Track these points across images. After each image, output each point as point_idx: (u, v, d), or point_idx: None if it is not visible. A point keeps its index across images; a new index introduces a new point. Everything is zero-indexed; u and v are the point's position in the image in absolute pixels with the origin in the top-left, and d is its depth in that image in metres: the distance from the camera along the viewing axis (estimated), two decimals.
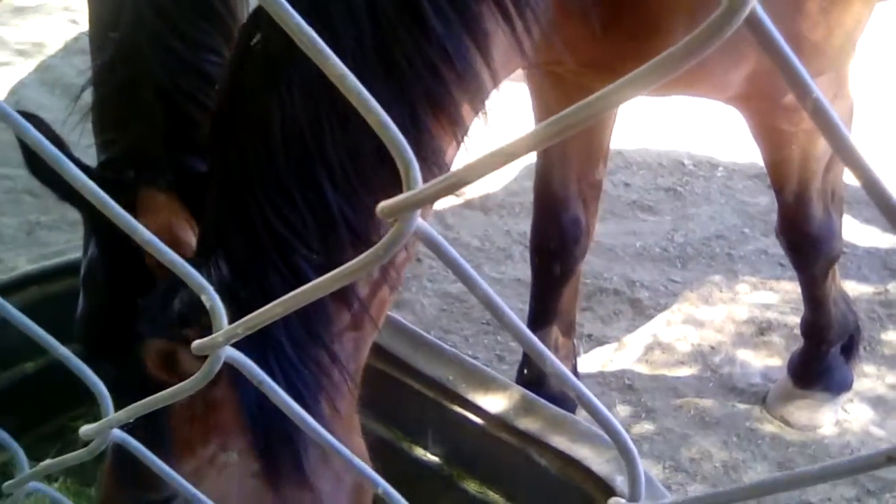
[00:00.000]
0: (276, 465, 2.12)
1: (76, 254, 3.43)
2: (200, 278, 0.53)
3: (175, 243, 2.51)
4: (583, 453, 2.91)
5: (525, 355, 3.86)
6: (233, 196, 2.07)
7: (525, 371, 3.81)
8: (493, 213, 5.98)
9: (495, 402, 3.14)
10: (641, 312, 5.07)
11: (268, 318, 0.55)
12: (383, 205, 0.49)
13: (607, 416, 0.62)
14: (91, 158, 2.83)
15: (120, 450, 1.98)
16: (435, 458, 3.41)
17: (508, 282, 5.25)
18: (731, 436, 4.23)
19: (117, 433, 0.59)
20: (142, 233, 0.61)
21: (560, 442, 2.96)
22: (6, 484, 0.86)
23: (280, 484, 2.15)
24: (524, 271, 5.30)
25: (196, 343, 0.46)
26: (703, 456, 4.09)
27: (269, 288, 1.99)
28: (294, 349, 2.06)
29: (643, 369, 4.63)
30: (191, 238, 2.42)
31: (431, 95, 2.02)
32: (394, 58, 1.95)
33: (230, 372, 1.99)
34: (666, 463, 4.01)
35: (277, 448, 2.11)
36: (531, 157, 4.71)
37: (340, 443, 2.25)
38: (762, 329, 4.98)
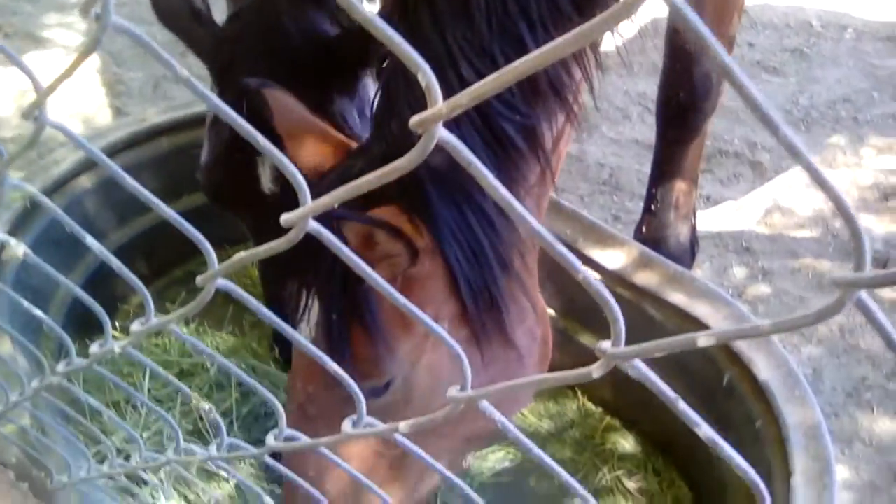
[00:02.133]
0: (483, 327, 2.19)
1: (201, 106, 3.54)
2: (416, 55, 0.53)
3: None
4: (701, 310, 2.92)
5: (644, 213, 3.84)
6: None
7: (643, 229, 3.80)
8: (611, 72, 5.84)
9: (613, 258, 3.16)
10: (762, 175, 4.97)
11: (488, 90, 0.55)
12: (414, 119, 0.50)
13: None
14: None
15: (334, 337, 2.09)
16: (551, 312, 3.47)
17: (626, 142, 5.18)
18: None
19: (314, 224, 0.61)
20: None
21: (678, 298, 2.98)
22: (133, 327, 0.91)
23: (486, 345, 2.23)
24: (642, 132, 5.23)
25: (415, 118, 0.48)
26: None
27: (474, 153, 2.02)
28: (491, 204, 2.10)
29: (762, 232, 4.57)
30: None
31: None
32: None
33: (437, 244, 2.06)
34: None
35: (484, 311, 2.18)
36: (653, 12, 4.59)
37: (527, 295, 2.34)
38: (886, 195, 4.83)
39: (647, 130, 5.19)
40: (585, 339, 3.39)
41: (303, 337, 0.81)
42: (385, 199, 2.06)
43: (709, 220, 4.58)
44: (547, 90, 2.12)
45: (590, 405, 3.52)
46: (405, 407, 2.23)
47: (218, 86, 2.76)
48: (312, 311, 2.16)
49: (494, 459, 3.32)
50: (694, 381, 3.08)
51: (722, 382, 2.89)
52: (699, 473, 3.17)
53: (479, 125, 2.03)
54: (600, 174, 4.94)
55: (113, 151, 3.43)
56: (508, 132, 2.06)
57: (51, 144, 3.63)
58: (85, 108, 5.31)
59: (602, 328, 3.27)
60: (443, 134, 0.49)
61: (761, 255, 4.40)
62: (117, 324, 3.33)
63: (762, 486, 0.62)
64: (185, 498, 2.75)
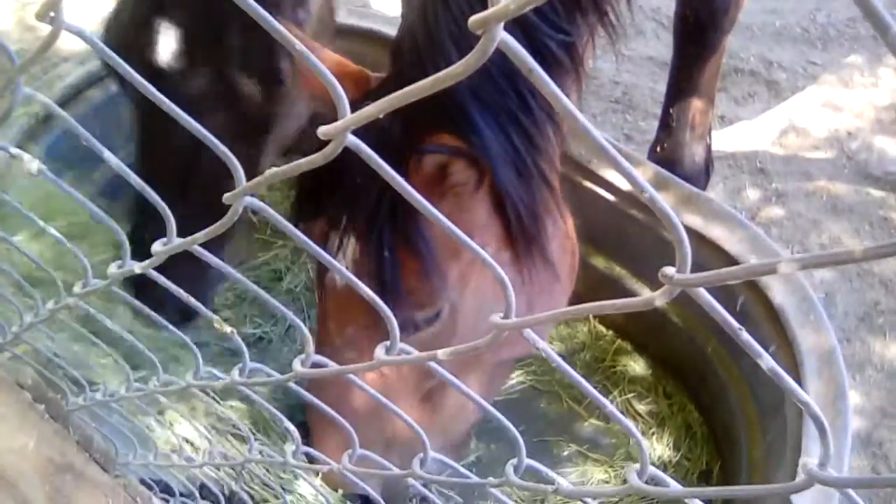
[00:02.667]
0: (526, 246, 2.20)
1: None
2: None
3: None
4: (716, 233, 2.88)
5: (658, 132, 3.78)
6: None
7: (658, 149, 3.74)
8: None
9: None
10: (777, 94, 4.88)
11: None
12: (473, 18, 0.46)
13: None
14: None
15: (386, 273, 2.06)
16: None
17: (640, 59, 5.08)
18: (864, 223, 4.12)
19: (352, 139, 0.58)
20: None
21: (693, 220, 2.93)
22: (155, 247, 0.88)
23: (528, 264, 2.24)
24: (656, 49, 5.12)
25: (475, 17, 0.44)
26: (833, 242, 4.01)
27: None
28: (532, 121, 2.09)
29: (776, 152, 4.51)
30: None
31: None
32: None
33: (489, 167, 2.05)
34: (794, 248, 3.95)
35: (528, 228, 2.18)
36: None
37: (560, 210, 2.35)
38: None
39: (661, 47, 5.09)
40: (598, 262, 3.36)
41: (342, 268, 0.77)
42: (429, 126, 2.06)
43: (723, 140, 4.51)
44: (588, 5, 2.11)
45: (601, 328, 3.51)
46: (451, 335, 2.25)
47: None
48: (348, 249, 2.15)
49: (507, 380, 3.33)
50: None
51: (735, 307, 2.86)
52: (709, 398, 3.17)
53: (525, 44, 2.01)
54: (613, 92, 4.85)
55: None
56: (552, 48, 2.06)
57: (53, 59, 3.54)
58: (93, 20, 5.21)
59: (614, 251, 3.25)
60: (504, 36, 0.45)
61: (775, 177, 4.34)
62: None
63: (822, 418, 0.59)
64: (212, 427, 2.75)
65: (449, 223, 0.66)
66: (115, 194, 3.02)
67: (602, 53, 5.10)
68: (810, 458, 0.57)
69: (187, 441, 2.50)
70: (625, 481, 0.71)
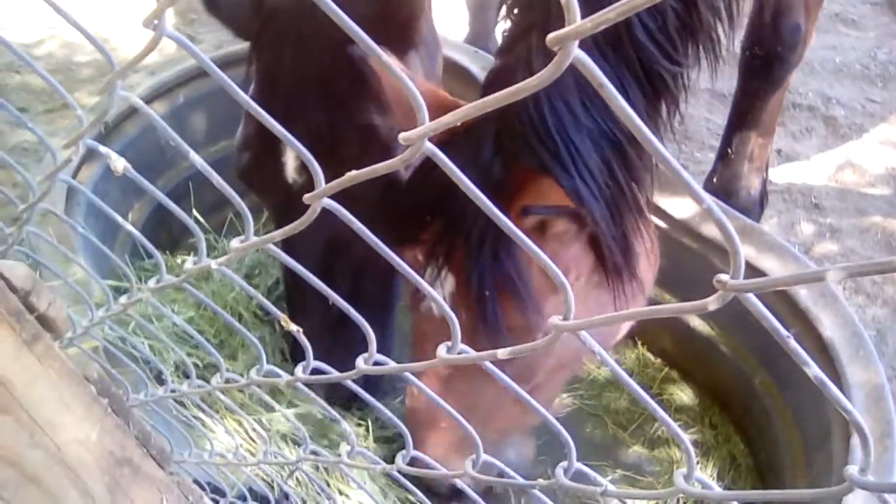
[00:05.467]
0: (617, 272, 2.27)
1: None
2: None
3: None
4: (768, 264, 2.88)
5: (716, 163, 3.79)
6: None
7: (714, 179, 3.75)
8: None
9: (680, 207, 3.13)
10: (835, 131, 4.86)
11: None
12: (552, 36, 0.50)
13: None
14: None
15: (489, 313, 2.15)
16: None
17: (697, 90, 5.07)
18: None
19: (327, 201, 0.65)
20: None
21: (746, 251, 2.92)
22: (233, 244, 0.92)
23: (620, 284, 2.30)
24: (713, 80, 5.12)
25: (553, 34, 0.48)
26: (886, 279, 3.98)
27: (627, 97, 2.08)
28: (634, 147, 2.17)
29: (832, 188, 4.49)
30: None
31: None
32: None
33: (581, 206, 2.11)
34: (847, 283, 3.93)
35: (620, 256, 2.24)
36: None
37: (648, 229, 2.41)
38: None
39: (719, 79, 5.08)
40: None
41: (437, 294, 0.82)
42: (529, 165, 2.11)
43: (779, 174, 4.50)
44: (705, 39, 2.18)
45: (649, 355, 3.52)
46: (545, 358, 2.35)
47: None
48: (446, 282, 2.23)
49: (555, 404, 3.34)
50: (754, 336, 3.06)
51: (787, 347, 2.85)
52: (755, 429, 3.15)
53: (639, 72, 2.10)
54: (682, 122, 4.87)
55: (187, 79, 3.44)
56: (665, 78, 2.12)
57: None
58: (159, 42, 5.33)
59: (665, 279, 3.24)
60: (578, 54, 0.48)
61: (830, 213, 4.32)
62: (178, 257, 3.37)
63: (865, 427, 0.61)
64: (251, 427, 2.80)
65: (543, 256, 0.69)
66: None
67: None
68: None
69: (245, 438, 2.56)
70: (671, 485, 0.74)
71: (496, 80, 2.26)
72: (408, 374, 0.94)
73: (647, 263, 2.46)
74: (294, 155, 2.56)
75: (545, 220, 2.11)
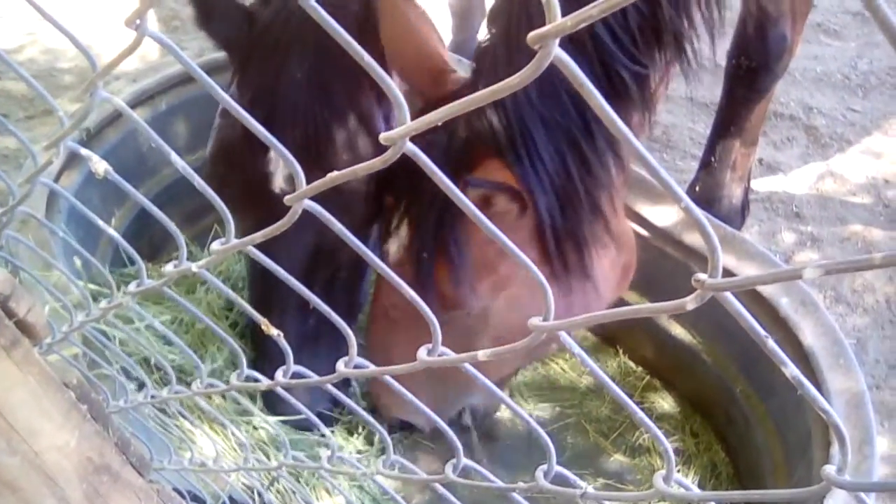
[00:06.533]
0: (564, 266, 2.29)
1: None
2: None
3: None
4: (749, 272, 2.89)
5: (698, 172, 3.81)
6: None
7: (696, 188, 3.77)
8: None
9: (662, 215, 3.14)
10: (816, 140, 4.89)
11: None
12: (533, 34, 0.50)
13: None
14: None
15: (422, 275, 2.25)
16: None
17: (679, 99, 5.11)
18: None
19: (410, 146, 0.64)
20: None
21: (727, 260, 2.94)
22: (214, 246, 0.92)
23: (565, 281, 2.34)
24: (696, 90, 5.10)
25: (534, 33, 0.48)
26: (866, 288, 4.00)
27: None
28: (592, 148, 2.15)
29: (813, 197, 4.51)
30: None
31: None
32: None
33: (530, 195, 2.15)
34: (827, 293, 3.95)
35: (567, 253, 2.27)
36: None
37: (610, 232, 2.44)
38: None
39: (702, 88, 5.10)
40: (628, 296, 3.37)
41: (386, 267, 0.82)
42: (486, 148, 2.16)
43: (760, 183, 4.52)
44: (670, 40, 2.17)
45: (630, 364, 3.53)
46: (483, 329, 2.40)
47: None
48: (402, 232, 2.31)
49: (534, 410, 3.34)
50: (735, 344, 3.07)
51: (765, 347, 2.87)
52: (735, 438, 3.16)
53: (598, 70, 2.10)
54: (653, 131, 4.89)
55: (169, 86, 3.43)
56: (624, 77, 2.12)
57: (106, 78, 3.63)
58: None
59: (646, 287, 3.26)
60: (558, 52, 0.49)
61: (811, 221, 4.35)
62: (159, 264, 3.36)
63: (842, 427, 0.62)
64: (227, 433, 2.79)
65: (496, 230, 0.70)
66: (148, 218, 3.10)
67: None
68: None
69: (226, 446, 2.54)
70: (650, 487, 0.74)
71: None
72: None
73: (610, 266, 2.48)
74: (282, 163, 2.56)
75: (488, 197, 2.16)
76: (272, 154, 2.56)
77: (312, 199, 0.75)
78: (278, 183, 2.58)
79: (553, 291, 0.70)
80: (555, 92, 2.09)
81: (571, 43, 2.02)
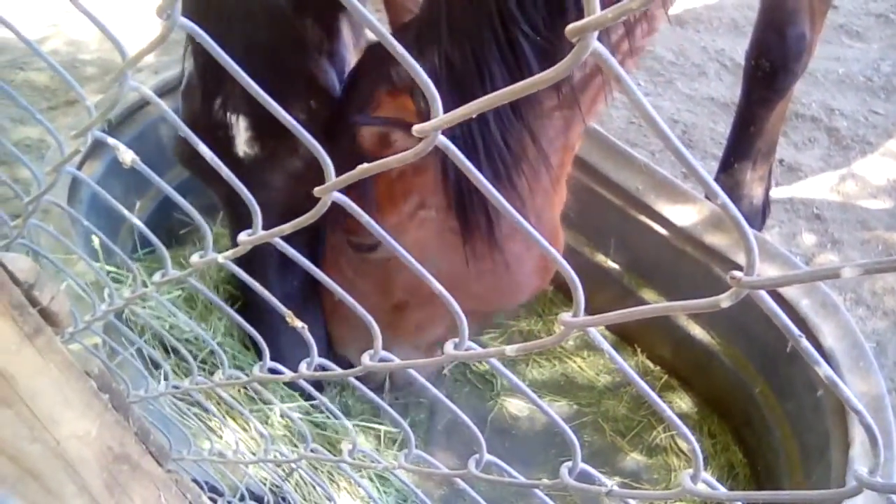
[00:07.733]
0: (470, 224, 2.31)
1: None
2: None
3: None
4: (769, 274, 2.87)
5: (718, 172, 3.79)
6: None
7: None
8: (689, 26, 5.75)
9: (683, 215, 3.12)
10: (838, 142, 4.86)
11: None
12: (571, 26, 0.49)
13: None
14: None
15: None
16: (615, 266, 3.46)
17: (701, 99, 5.09)
18: None
19: (336, 195, 0.67)
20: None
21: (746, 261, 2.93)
22: (241, 237, 0.93)
23: (473, 241, 2.35)
24: (717, 90, 5.14)
25: (572, 26, 0.47)
26: (887, 291, 3.98)
27: (484, 59, 2.04)
28: (498, 124, 2.15)
29: (834, 199, 4.49)
30: None
31: None
32: None
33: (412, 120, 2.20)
34: (847, 295, 3.93)
35: (474, 209, 2.29)
36: None
37: (534, 217, 2.43)
38: None
39: (723, 88, 5.10)
40: (647, 295, 3.37)
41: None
42: (385, 88, 2.23)
43: (781, 185, 4.50)
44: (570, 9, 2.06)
45: (648, 363, 3.52)
46: (398, 265, 2.51)
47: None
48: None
49: (551, 408, 3.34)
50: (754, 345, 3.06)
51: (785, 349, 2.85)
52: (753, 439, 3.15)
53: (501, 35, 2.05)
54: (673, 130, 4.87)
55: None
56: (525, 49, 2.04)
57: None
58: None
59: (665, 286, 3.25)
60: (597, 45, 0.48)
61: (832, 224, 4.32)
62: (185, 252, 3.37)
63: (875, 428, 0.61)
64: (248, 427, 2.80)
65: (520, 217, 0.69)
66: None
67: (662, 91, 5.13)
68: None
69: (245, 437, 2.55)
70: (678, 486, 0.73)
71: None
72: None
73: (526, 248, 2.49)
74: (244, 127, 2.55)
75: (384, 135, 2.21)
76: (232, 118, 2.56)
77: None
78: (240, 146, 2.58)
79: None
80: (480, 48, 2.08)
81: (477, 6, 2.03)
